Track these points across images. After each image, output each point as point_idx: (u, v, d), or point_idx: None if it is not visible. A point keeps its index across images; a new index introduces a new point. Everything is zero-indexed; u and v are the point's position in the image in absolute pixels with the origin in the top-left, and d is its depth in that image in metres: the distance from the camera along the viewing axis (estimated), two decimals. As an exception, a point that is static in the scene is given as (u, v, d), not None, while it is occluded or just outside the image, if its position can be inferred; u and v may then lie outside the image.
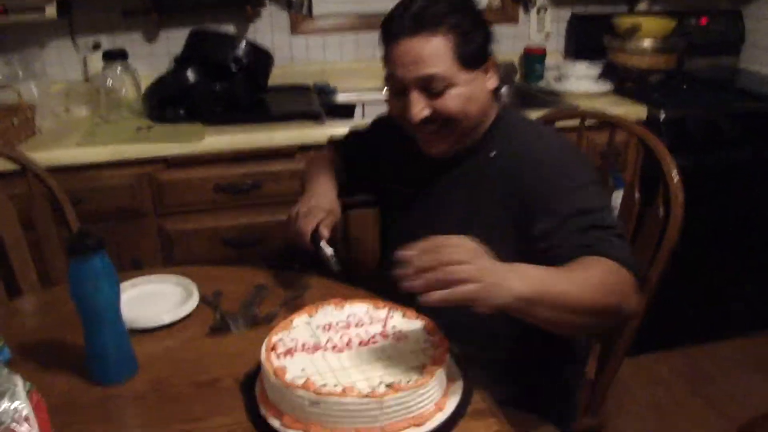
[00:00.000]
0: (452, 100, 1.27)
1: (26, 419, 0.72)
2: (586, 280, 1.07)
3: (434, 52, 1.24)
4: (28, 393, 0.75)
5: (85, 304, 1.06)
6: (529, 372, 1.45)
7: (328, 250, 1.31)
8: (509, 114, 1.40)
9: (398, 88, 1.30)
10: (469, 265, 0.94)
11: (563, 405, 1.49)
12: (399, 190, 1.49)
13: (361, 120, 2.28)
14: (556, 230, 1.20)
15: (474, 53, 1.28)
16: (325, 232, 1.32)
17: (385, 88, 1.36)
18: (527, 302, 0.99)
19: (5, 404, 0.71)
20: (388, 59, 1.30)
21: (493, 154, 1.34)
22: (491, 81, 1.33)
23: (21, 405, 0.72)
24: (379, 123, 1.64)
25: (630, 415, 2.38)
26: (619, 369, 1.56)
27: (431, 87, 1.26)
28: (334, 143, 1.76)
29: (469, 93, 1.28)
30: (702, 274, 2.60)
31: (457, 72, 1.26)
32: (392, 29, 1.28)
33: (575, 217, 1.20)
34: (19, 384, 0.74)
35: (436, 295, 0.94)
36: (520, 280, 0.99)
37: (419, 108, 1.27)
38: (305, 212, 1.35)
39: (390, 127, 1.46)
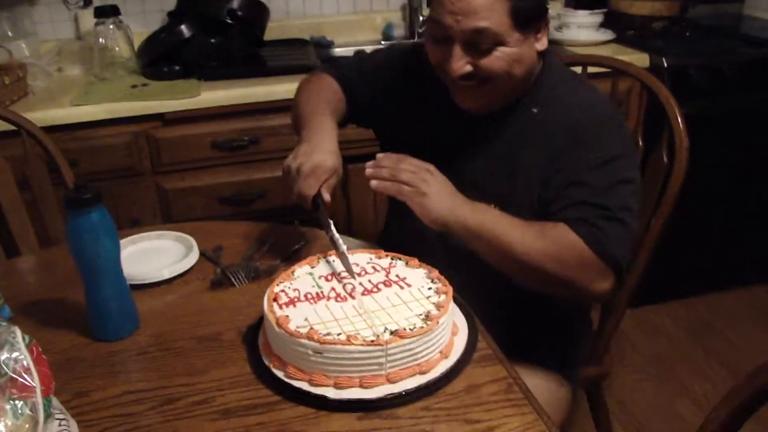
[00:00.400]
0: (498, 61, 1.19)
1: (26, 370, 0.71)
2: (535, 241, 1.16)
3: (488, 4, 1.15)
4: (28, 346, 0.74)
5: (85, 260, 1.05)
6: (534, 324, 1.45)
7: (329, 221, 1.23)
8: (554, 69, 1.32)
9: (441, 35, 1.21)
10: (418, 175, 1.18)
11: (568, 355, 1.49)
12: (421, 140, 1.37)
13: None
14: (556, 197, 1.22)
15: (529, 12, 1.18)
16: (327, 196, 1.21)
17: (424, 28, 1.30)
18: (465, 229, 1.17)
19: (5, 355, 0.70)
20: (435, 2, 1.20)
21: (535, 110, 1.29)
22: (541, 42, 1.25)
23: (20, 356, 0.71)
24: (402, 59, 1.49)
25: (632, 366, 2.39)
26: (622, 320, 1.56)
27: (478, 42, 1.18)
28: (336, 68, 1.55)
29: (518, 55, 1.20)
30: (704, 224, 2.58)
31: (509, 30, 1.17)
32: None
33: (577, 187, 1.20)
34: (18, 335, 0.73)
35: (377, 184, 1.20)
36: (470, 209, 1.18)
37: (462, 63, 1.20)
38: (308, 171, 1.20)
39: (418, 67, 1.37)
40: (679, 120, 1.46)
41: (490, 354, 1.04)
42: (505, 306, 1.27)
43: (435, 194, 1.18)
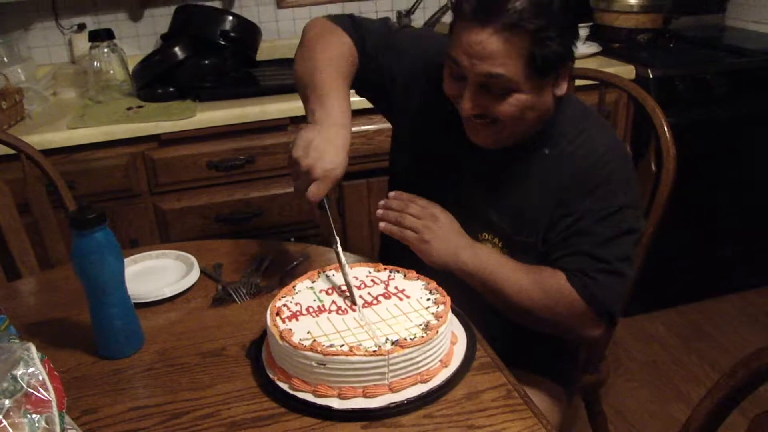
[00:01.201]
0: (510, 107, 1.15)
1: (42, 384, 0.73)
2: (531, 291, 1.22)
3: (505, 52, 1.10)
4: (42, 361, 0.77)
5: (90, 279, 1.07)
6: (531, 333, 1.47)
7: (332, 226, 1.21)
8: (570, 110, 1.28)
9: (457, 73, 1.18)
10: (422, 222, 1.24)
11: (564, 363, 1.51)
12: (429, 152, 1.37)
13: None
14: (559, 243, 1.25)
15: (550, 61, 1.12)
16: (332, 197, 1.23)
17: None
18: (465, 273, 1.23)
19: (21, 370, 0.72)
20: (454, 40, 1.16)
21: (547, 151, 1.26)
22: (561, 88, 1.20)
23: (36, 371, 0.73)
24: (437, 56, 1.29)
25: (628, 373, 2.42)
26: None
27: (492, 86, 1.14)
28: (357, 31, 1.40)
29: (532, 102, 1.16)
30: (693, 232, 2.62)
31: (525, 78, 1.12)
32: (464, 5, 1.13)
33: (581, 236, 1.23)
34: (33, 351, 0.75)
35: (384, 226, 1.26)
36: (471, 255, 1.23)
37: (473, 105, 1.17)
38: (319, 175, 1.15)
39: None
40: (666, 129, 1.50)
41: (489, 362, 1.06)
42: (502, 316, 1.30)
43: (437, 241, 1.23)
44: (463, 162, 1.32)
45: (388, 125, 2.15)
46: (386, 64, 1.39)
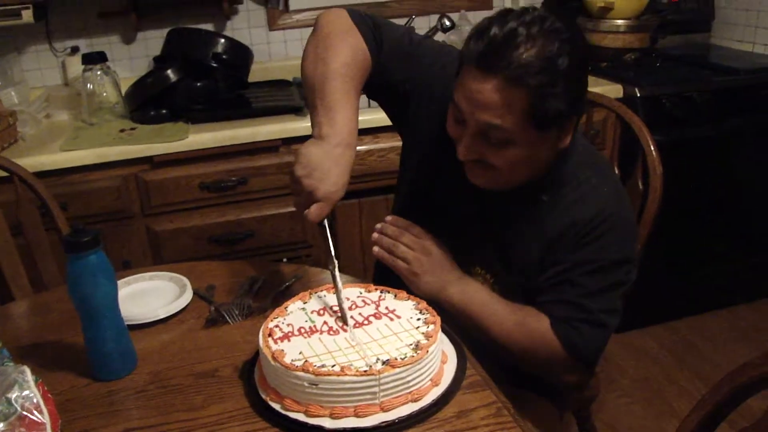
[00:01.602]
0: (505, 158, 1.14)
1: (36, 407, 0.74)
2: (513, 332, 1.24)
3: (505, 104, 1.08)
4: (36, 384, 0.77)
5: (84, 301, 1.08)
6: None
7: (331, 247, 1.21)
8: (575, 156, 1.24)
9: (459, 116, 1.16)
10: (413, 254, 1.26)
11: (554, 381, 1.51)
12: (432, 176, 1.36)
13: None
14: (547, 288, 1.26)
15: (552, 116, 1.10)
16: (332, 217, 1.22)
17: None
18: (451, 307, 1.25)
19: (16, 393, 0.73)
20: (459, 82, 1.14)
21: (545, 198, 1.24)
22: (564, 141, 1.17)
23: (30, 394, 0.74)
24: (448, 89, 1.23)
25: (620, 390, 2.43)
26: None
27: (489, 136, 1.12)
28: (373, 32, 1.33)
29: (529, 155, 1.14)
30: (682, 248, 2.65)
31: (525, 131, 1.10)
32: (472, 48, 1.10)
33: (569, 286, 1.23)
34: (28, 374, 0.76)
35: (377, 251, 1.29)
36: (459, 291, 1.26)
37: (469, 151, 1.16)
38: (321, 197, 1.15)
39: None
40: (653, 148, 1.52)
41: (479, 380, 1.07)
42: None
43: (426, 274, 1.26)
44: (464, 194, 1.29)
45: (380, 146, 2.18)
46: (401, 77, 1.34)
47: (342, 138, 1.19)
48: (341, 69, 1.24)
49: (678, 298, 2.76)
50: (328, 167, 1.16)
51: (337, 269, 1.18)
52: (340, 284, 1.16)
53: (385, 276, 1.35)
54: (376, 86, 1.36)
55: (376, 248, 1.30)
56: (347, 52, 1.27)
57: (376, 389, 0.97)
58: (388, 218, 1.32)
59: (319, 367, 0.98)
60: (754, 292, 2.87)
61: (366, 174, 2.23)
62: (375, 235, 1.31)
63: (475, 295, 1.27)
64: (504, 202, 1.26)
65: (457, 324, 1.23)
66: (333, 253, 1.20)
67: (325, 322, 1.11)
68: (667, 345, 2.66)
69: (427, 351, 1.00)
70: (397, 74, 1.34)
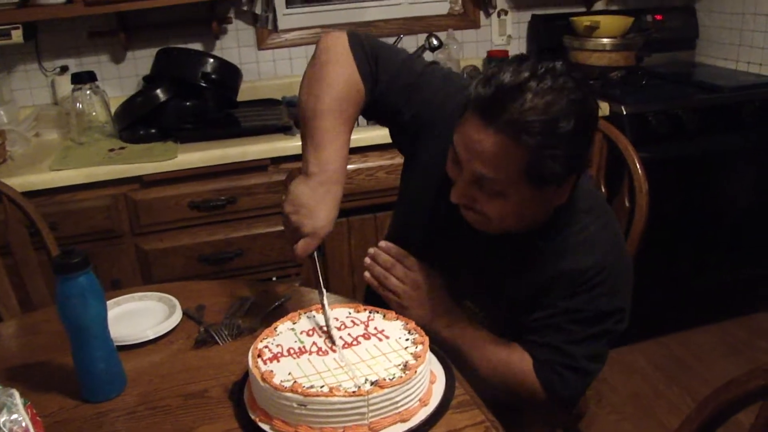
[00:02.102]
0: (496, 208, 1.13)
1: (26, 431, 0.74)
2: (497, 370, 1.25)
3: (501, 158, 1.06)
4: (25, 407, 0.77)
5: (74, 322, 1.07)
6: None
7: (320, 279, 1.23)
8: (575, 202, 1.21)
9: (455, 157, 1.14)
10: (403, 288, 1.28)
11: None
12: (430, 208, 1.34)
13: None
14: (533, 329, 1.26)
15: (549, 177, 1.08)
16: (321, 249, 1.28)
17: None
18: (438, 339, 1.24)
19: (4, 417, 0.73)
20: (460, 126, 1.12)
21: (540, 244, 1.22)
22: (560, 198, 1.15)
23: (19, 418, 0.74)
24: (447, 115, 1.24)
25: (610, 406, 2.43)
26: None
27: (482, 185, 1.11)
28: (372, 69, 1.31)
29: (520, 210, 1.13)
30: (669, 265, 2.66)
31: (518, 186, 1.09)
32: (480, 92, 1.07)
33: (555, 331, 1.23)
34: (17, 397, 0.76)
35: (369, 277, 1.31)
36: (446, 325, 1.28)
37: (460, 196, 1.16)
38: (308, 233, 1.18)
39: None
40: (638, 167, 1.54)
41: (468, 399, 1.08)
42: None
43: (415, 308, 1.28)
44: (459, 229, 1.26)
45: (368, 164, 2.19)
46: (401, 111, 1.33)
47: (328, 176, 1.22)
48: (332, 104, 1.25)
49: (667, 314, 2.78)
50: (314, 204, 1.19)
51: (326, 299, 1.19)
52: (329, 314, 1.16)
53: (376, 295, 1.35)
54: (374, 115, 1.39)
55: (367, 274, 1.31)
56: (340, 86, 1.27)
57: (364, 410, 0.97)
58: (382, 244, 1.32)
59: (308, 387, 0.98)
60: (743, 307, 2.88)
61: (354, 193, 2.24)
62: (367, 260, 1.32)
63: (462, 331, 1.28)
64: (499, 243, 1.24)
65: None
66: (322, 284, 1.22)
67: (314, 343, 1.12)
68: (656, 361, 2.67)
69: (416, 371, 1.01)
70: (397, 108, 1.33)
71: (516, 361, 1.25)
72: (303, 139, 1.27)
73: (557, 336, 1.23)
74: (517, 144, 1.04)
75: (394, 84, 1.32)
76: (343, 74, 1.28)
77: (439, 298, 1.30)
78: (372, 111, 1.35)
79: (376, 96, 1.32)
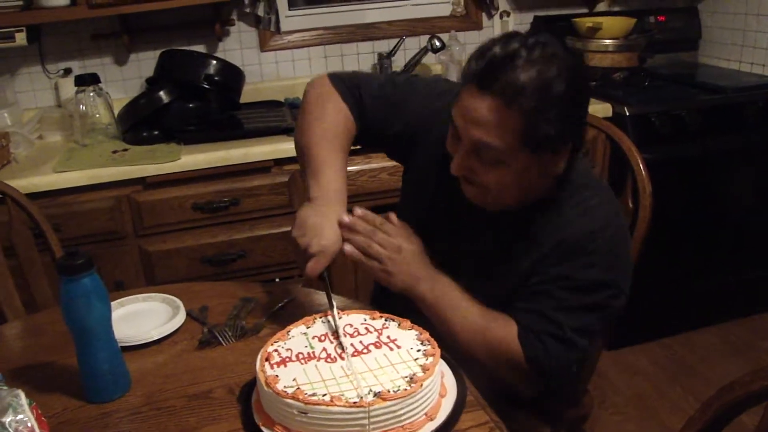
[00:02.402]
0: (495, 177, 1.16)
1: (31, 431, 0.74)
2: (477, 336, 1.24)
3: (498, 124, 1.10)
4: (30, 407, 0.78)
5: (78, 323, 1.08)
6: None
7: (332, 298, 1.24)
8: (573, 180, 1.24)
9: (454, 131, 1.19)
10: (386, 252, 1.24)
11: (547, 398, 1.51)
12: (427, 196, 1.40)
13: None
14: (523, 296, 1.26)
15: (545, 140, 1.11)
16: (331, 269, 1.28)
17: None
18: (422, 303, 1.25)
19: (10, 417, 0.73)
20: (457, 99, 1.16)
21: (539, 218, 1.25)
22: (557, 167, 1.18)
23: (24, 418, 0.74)
24: (439, 103, 1.36)
25: (613, 407, 2.43)
26: (599, 360, 1.61)
27: (481, 154, 1.15)
28: (352, 93, 1.41)
29: (519, 177, 1.16)
30: (673, 266, 2.66)
31: (516, 152, 1.12)
32: (473, 66, 1.13)
33: (544, 297, 1.23)
34: (22, 397, 0.76)
35: (350, 250, 1.25)
36: (430, 288, 1.25)
37: (461, 166, 1.19)
38: (315, 252, 1.22)
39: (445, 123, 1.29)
40: (642, 167, 1.54)
41: (472, 400, 1.07)
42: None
43: (398, 273, 1.25)
44: (458, 218, 1.33)
45: (371, 166, 2.19)
46: (395, 127, 1.41)
47: (329, 198, 1.29)
48: (323, 134, 1.35)
49: (670, 315, 2.78)
50: (319, 224, 1.24)
51: (337, 316, 1.18)
52: (341, 331, 1.14)
53: (384, 296, 1.36)
54: (369, 139, 1.46)
55: (348, 247, 1.26)
56: (330, 118, 1.38)
57: (365, 422, 0.94)
58: (358, 212, 1.29)
59: (310, 395, 0.96)
60: (745, 308, 2.88)
61: (358, 194, 2.25)
62: (344, 232, 1.27)
63: (445, 294, 1.26)
64: (498, 223, 1.28)
65: (428, 321, 1.22)
66: (334, 304, 1.21)
67: (324, 349, 1.10)
68: (659, 362, 2.67)
69: (422, 385, 0.98)
70: (388, 122, 1.41)
71: (499, 326, 1.24)
72: (303, 172, 1.35)
73: (546, 302, 1.22)
74: (512, 108, 1.08)
75: (379, 102, 1.41)
76: (331, 108, 1.39)
77: (421, 261, 1.28)
78: (366, 136, 1.44)
79: (366, 121, 1.41)
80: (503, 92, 1.08)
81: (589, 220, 1.22)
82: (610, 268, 1.23)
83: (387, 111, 1.41)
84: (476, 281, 1.31)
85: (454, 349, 1.19)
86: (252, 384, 1.12)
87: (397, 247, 1.27)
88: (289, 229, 1.28)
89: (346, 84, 1.42)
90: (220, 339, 1.29)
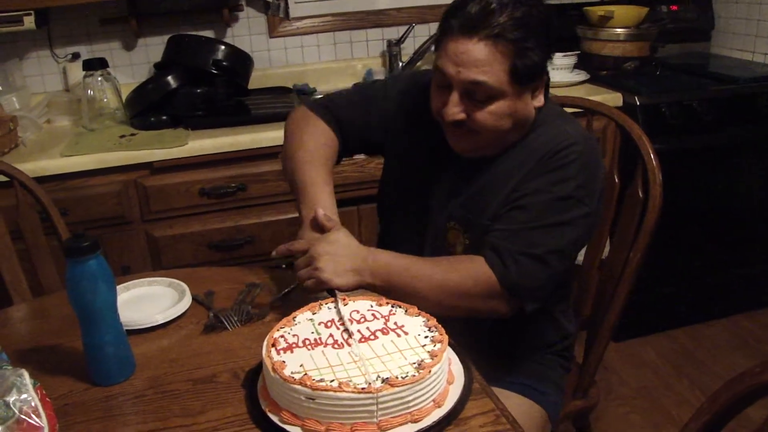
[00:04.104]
0: (490, 115, 1.26)
1: (34, 411, 0.74)
2: (443, 283, 1.25)
3: (489, 60, 1.21)
4: (34, 388, 0.77)
5: (83, 306, 1.07)
6: (516, 356, 1.50)
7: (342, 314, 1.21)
8: (544, 111, 1.35)
9: (443, 82, 1.28)
10: (310, 264, 1.24)
11: (542, 381, 1.51)
12: (411, 173, 1.48)
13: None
14: (499, 216, 1.30)
15: (528, 71, 1.24)
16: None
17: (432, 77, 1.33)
18: (380, 289, 1.26)
19: (14, 396, 0.73)
20: (441, 52, 1.27)
21: (517, 144, 1.34)
22: (537, 100, 1.31)
23: (28, 398, 0.74)
24: (405, 89, 1.51)
25: (620, 399, 2.42)
26: (605, 351, 1.60)
27: (475, 93, 1.25)
28: (326, 108, 1.53)
29: (511, 110, 1.27)
30: (681, 257, 2.65)
31: (506, 85, 1.24)
32: (452, 23, 1.24)
33: (519, 211, 1.28)
34: (26, 377, 0.76)
35: (305, 282, 1.25)
36: (371, 274, 1.25)
37: (457, 110, 1.27)
38: (313, 288, 1.26)
39: (416, 102, 1.44)
40: (652, 156, 1.52)
41: (478, 387, 1.07)
42: (481, 333, 1.35)
43: (331, 272, 1.23)
44: (442, 164, 1.41)
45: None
46: (365, 120, 1.51)
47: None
48: (306, 156, 1.43)
49: (677, 307, 2.76)
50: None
51: (342, 303, 1.18)
52: (346, 318, 1.14)
53: None
54: (354, 145, 1.55)
55: (303, 275, 1.26)
56: (310, 138, 1.47)
57: (373, 408, 0.94)
58: (273, 253, 1.33)
59: (317, 381, 0.96)
60: (754, 301, 2.87)
61: (364, 181, 2.24)
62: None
63: (391, 264, 1.27)
64: (484, 163, 1.36)
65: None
66: (342, 314, 1.19)
67: (331, 335, 1.09)
68: (666, 354, 2.66)
69: (430, 371, 0.97)
70: (365, 120, 1.51)
71: (461, 264, 1.28)
72: (294, 195, 1.42)
73: (522, 217, 1.27)
74: (500, 43, 1.21)
75: (352, 107, 1.52)
76: (309, 129, 1.49)
77: (344, 254, 1.26)
78: (351, 143, 1.53)
79: (344, 131, 1.51)
80: (489, 31, 1.20)
81: (565, 137, 1.30)
82: (584, 186, 1.28)
83: (360, 109, 1.51)
84: (461, 216, 1.37)
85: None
86: (257, 369, 1.11)
87: (314, 256, 1.25)
88: (296, 215, 1.31)
89: (319, 103, 1.55)
90: (226, 324, 1.29)
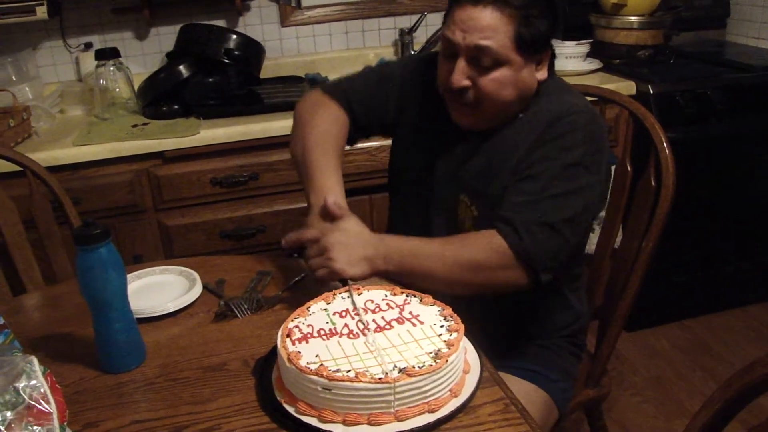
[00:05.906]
0: (494, 82, 1.30)
1: (44, 397, 0.74)
2: (457, 259, 1.25)
3: (494, 25, 1.26)
4: (44, 375, 0.78)
5: (94, 294, 1.08)
6: (525, 343, 1.50)
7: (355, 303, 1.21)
8: (547, 83, 1.38)
9: (450, 51, 1.32)
10: (323, 256, 1.24)
11: (548, 367, 1.50)
12: (420, 149, 1.50)
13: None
14: (510, 188, 1.31)
15: (533, 40, 1.29)
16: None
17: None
18: (393, 274, 1.27)
19: (23, 382, 0.73)
20: (449, 21, 1.32)
21: (521, 116, 1.38)
22: (541, 73, 1.35)
23: (38, 384, 0.74)
24: (413, 70, 1.54)
25: (632, 389, 2.42)
26: (617, 340, 1.59)
27: (481, 60, 1.29)
28: (338, 90, 1.55)
29: (514, 78, 1.31)
30: (695, 247, 2.63)
31: (511, 52, 1.28)
32: None
33: (530, 182, 1.29)
34: (35, 364, 0.77)
35: (319, 272, 1.25)
36: (384, 261, 1.26)
37: (462, 76, 1.30)
38: (325, 277, 1.26)
39: (423, 81, 1.49)
40: (665, 145, 1.51)
41: (487, 376, 1.06)
42: (491, 314, 1.36)
43: (344, 262, 1.23)
44: (450, 139, 1.43)
45: (390, 142, 2.17)
46: (379, 101, 1.53)
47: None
48: (316, 139, 1.43)
49: (691, 296, 2.75)
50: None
51: (356, 293, 1.17)
52: (360, 308, 1.13)
53: None
54: (367, 127, 1.56)
55: (317, 270, 1.26)
56: (322, 121, 1.48)
57: (390, 398, 0.93)
58: (283, 243, 1.33)
59: (334, 371, 0.95)
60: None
61: (377, 170, 2.23)
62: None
63: (402, 247, 1.28)
64: (486, 137, 1.39)
65: (470, 303, 1.20)
66: (350, 283, 1.21)
67: (345, 325, 1.08)
68: (679, 344, 2.64)
69: (447, 360, 0.96)
70: (378, 101, 1.53)
71: (472, 239, 1.29)
72: (301, 181, 1.43)
73: (532, 186, 1.28)
74: (506, 9, 1.26)
75: (367, 89, 1.54)
76: (321, 112, 1.50)
77: (356, 242, 1.27)
78: (367, 125, 1.55)
79: (359, 113, 1.53)
80: (496, 2, 1.25)
81: (569, 105, 1.33)
82: (591, 154, 1.30)
83: (375, 91, 1.53)
84: (470, 188, 1.39)
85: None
86: (267, 357, 1.11)
87: (327, 247, 1.25)
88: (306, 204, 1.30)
89: (331, 86, 1.57)
90: (236, 312, 1.29)
